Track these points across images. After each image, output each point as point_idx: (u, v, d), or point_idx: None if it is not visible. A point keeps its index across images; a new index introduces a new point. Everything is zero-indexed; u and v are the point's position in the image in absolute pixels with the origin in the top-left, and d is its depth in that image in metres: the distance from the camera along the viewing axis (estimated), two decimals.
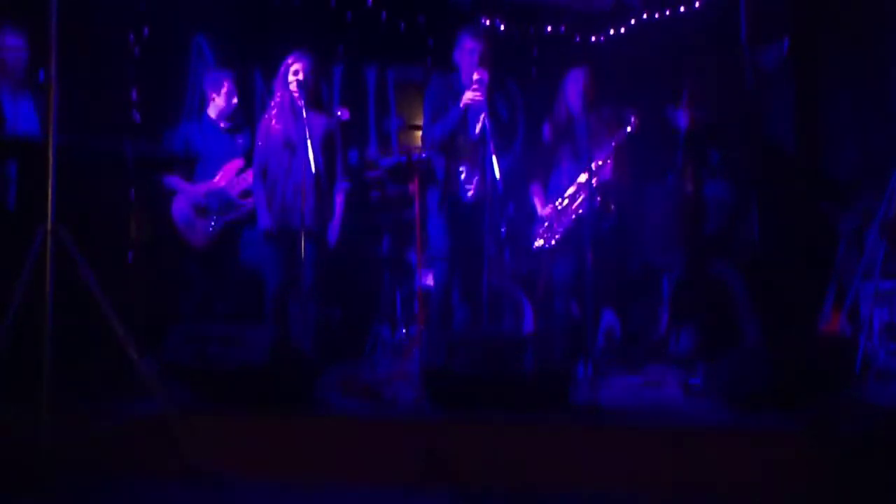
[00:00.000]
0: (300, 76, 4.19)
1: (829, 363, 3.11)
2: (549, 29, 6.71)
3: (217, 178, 4.69)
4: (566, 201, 4.37)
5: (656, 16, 6.26)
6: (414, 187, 3.97)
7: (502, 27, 6.52)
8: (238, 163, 4.72)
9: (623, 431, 2.97)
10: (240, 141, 4.80)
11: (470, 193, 4.28)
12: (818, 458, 2.72)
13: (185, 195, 4.65)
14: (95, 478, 2.98)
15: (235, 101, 4.80)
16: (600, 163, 4.27)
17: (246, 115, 5.18)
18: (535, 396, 3.10)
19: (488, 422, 3.00)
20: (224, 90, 4.77)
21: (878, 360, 3.99)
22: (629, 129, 4.26)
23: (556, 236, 4.37)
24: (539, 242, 4.44)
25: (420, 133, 4.60)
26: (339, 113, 4.52)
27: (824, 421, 2.76)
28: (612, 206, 4.38)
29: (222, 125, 4.82)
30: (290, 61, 4.26)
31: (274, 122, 4.32)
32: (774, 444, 2.79)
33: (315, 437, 3.09)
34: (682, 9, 6.10)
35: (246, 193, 4.66)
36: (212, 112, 4.82)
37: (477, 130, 4.13)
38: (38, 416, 2.71)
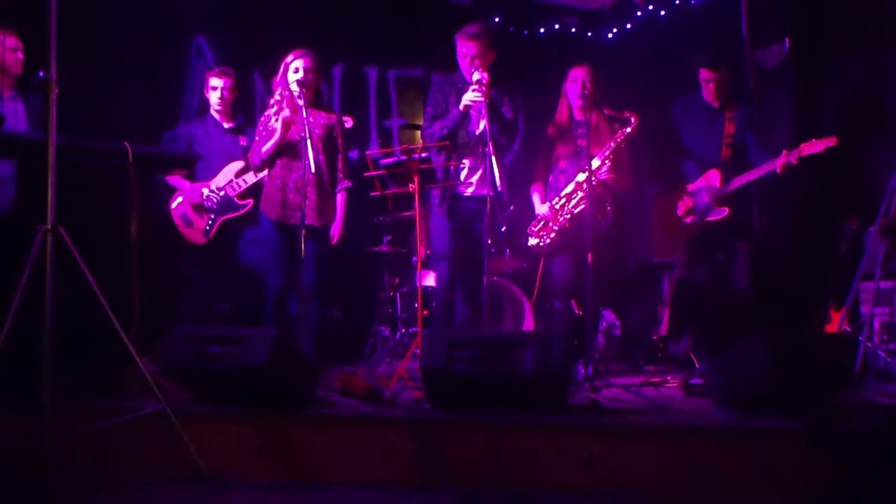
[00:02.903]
0: (300, 74, 4.19)
1: (829, 363, 3.10)
2: (550, 28, 6.71)
3: (217, 178, 4.70)
4: (563, 200, 4.36)
5: (658, 15, 6.26)
6: (414, 187, 3.96)
7: (503, 26, 6.52)
8: (239, 164, 4.72)
9: (623, 432, 2.97)
10: (242, 142, 4.81)
11: (470, 192, 4.28)
12: (818, 458, 2.72)
13: (184, 195, 4.67)
14: (95, 478, 2.98)
15: (227, 96, 4.78)
16: (598, 162, 4.26)
17: (246, 116, 5.17)
18: (535, 396, 3.10)
19: (488, 422, 3.00)
20: (213, 87, 4.76)
21: (877, 360, 3.99)
22: (629, 129, 4.25)
23: (552, 235, 4.37)
24: (534, 241, 4.44)
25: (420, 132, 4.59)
26: (343, 120, 4.52)
27: (824, 421, 2.75)
28: (609, 207, 4.36)
29: (226, 125, 4.82)
30: (290, 59, 4.26)
31: (273, 120, 4.31)
32: (774, 444, 2.79)
33: (315, 438, 3.09)
34: (683, 8, 6.10)
35: (245, 195, 4.67)
36: (213, 111, 4.82)
37: (478, 131, 4.13)
38: (38, 416, 2.71)
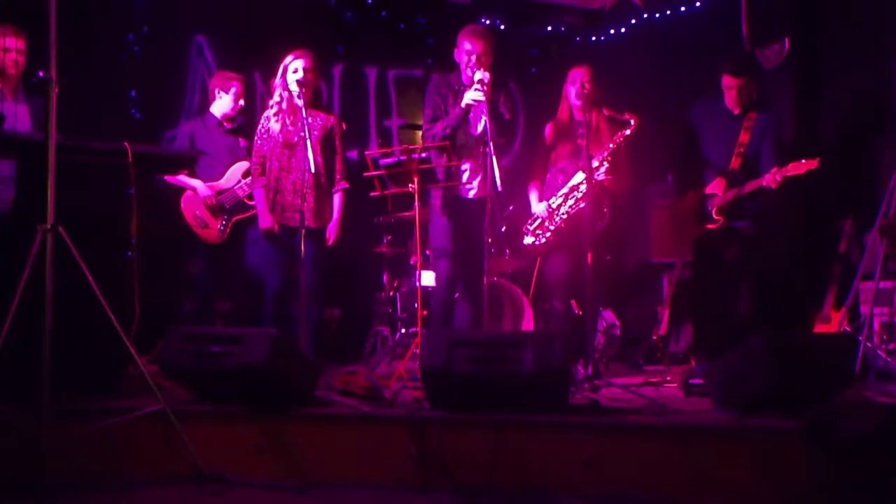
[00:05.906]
0: (300, 74, 4.19)
1: (829, 363, 3.10)
2: (550, 28, 6.71)
3: (225, 178, 4.71)
4: (560, 200, 4.36)
5: (657, 15, 6.26)
6: (414, 187, 3.96)
7: (502, 27, 6.53)
8: (244, 164, 4.72)
9: (623, 432, 2.97)
10: (242, 144, 4.81)
11: (472, 194, 4.28)
12: (818, 458, 2.72)
13: (197, 194, 4.66)
14: (95, 478, 2.98)
15: (242, 103, 4.82)
16: (597, 163, 4.26)
17: (247, 116, 5.17)
18: (535, 396, 3.10)
19: (488, 422, 3.00)
20: (233, 91, 4.78)
21: (877, 360, 3.99)
22: (628, 130, 4.24)
23: (548, 234, 4.37)
24: (529, 240, 4.44)
25: (420, 133, 4.59)
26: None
27: (824, 421, 2.75)
28: (606, 209, 4.34)
29: (226, 126, 4.82)
30: (289, 60, 4.26)
31: (273, 121, 4.32)
32: (774, 444, 2.80)
33: (315, 437, 3.09)
34: (683, 8, 6.10)
35: (252, 196, 4.67)
36: (216, 111, 4.81)
37: (479, 130, 4.13)
38: (38, 416, 2.71)
